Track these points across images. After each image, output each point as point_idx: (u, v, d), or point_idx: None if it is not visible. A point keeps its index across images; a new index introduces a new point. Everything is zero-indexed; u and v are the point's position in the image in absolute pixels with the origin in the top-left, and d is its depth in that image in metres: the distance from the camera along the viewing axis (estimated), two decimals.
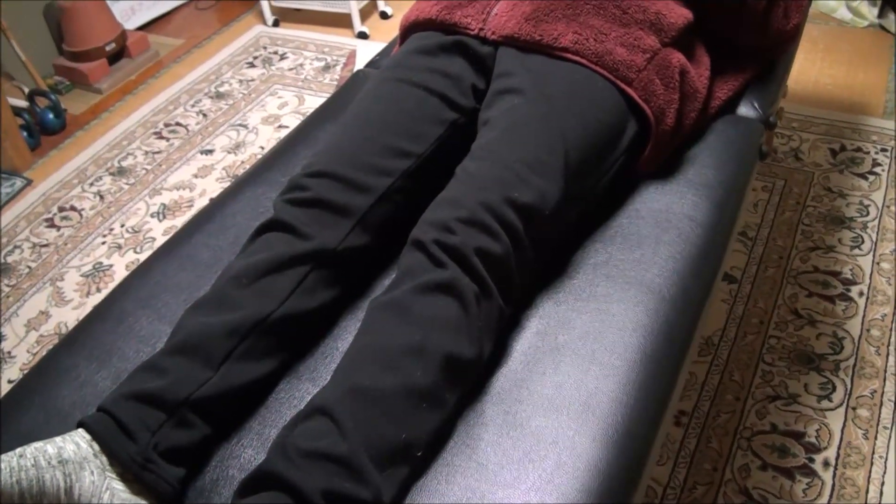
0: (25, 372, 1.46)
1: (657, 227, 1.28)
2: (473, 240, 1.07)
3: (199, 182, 2.67)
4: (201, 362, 1.06)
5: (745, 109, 1.57)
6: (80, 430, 1.00)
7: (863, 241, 2.13)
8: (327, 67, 3.24)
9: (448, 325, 1.02)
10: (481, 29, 1.39)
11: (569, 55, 1.31)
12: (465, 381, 1.05)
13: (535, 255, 1.16)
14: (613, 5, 1.35)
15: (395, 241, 1.22)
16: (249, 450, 1.05)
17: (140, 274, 1.33)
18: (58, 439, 0.98)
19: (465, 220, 1.09)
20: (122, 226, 2.51)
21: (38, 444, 0.96)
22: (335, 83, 3.12)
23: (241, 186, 1.50)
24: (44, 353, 2.07)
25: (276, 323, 1.12)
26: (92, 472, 0.96)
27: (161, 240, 2.43)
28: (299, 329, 1.17)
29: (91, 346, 1.22)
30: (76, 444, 0.98)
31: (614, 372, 1.07)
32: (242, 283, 1.14)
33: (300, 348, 1.18)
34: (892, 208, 2.22)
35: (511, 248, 1.11)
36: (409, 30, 1.52)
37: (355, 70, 3.13)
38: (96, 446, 0.98)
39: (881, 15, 3.04)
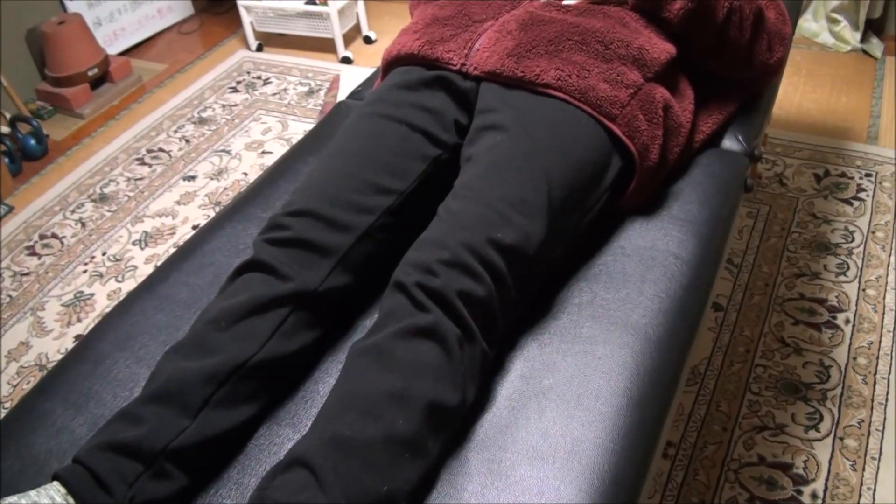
0: (2, 415, 1.44)
1: (642, 265, 1.27)
2: (456, 282, 1.06)
3: (182, 209, 2.65)
4: (178, 410, 1.04)
5: (730, 143, 1.56)
6: (55, 483, 0.98)
7: (848, 268, 2.12)
8: (311, 92, 3.23)
9: (430, 371, 1.00)
10: (463, 64, 1.38)
11: (552, 91, 1.30)
12: (449, 429, 1.03)
13: (519, 296, 1.15)
14: (596, 41, 1.35)
15: (377, 280, 1.21)
16: (228, 501, 1.03)
17: (118, 314, 1.31)
18: (32, 493, 0.96)
19: (448, 261, 1.07)
20: (104, 254, 2.49)
21: (12, 499, 0.94)
22: (319, 108, 3.11)
23: (220, 222, 1.48)
24: (25, 385, 2.04)
25: (255, 367, 1.10)
26: None
27: (143, 268, 2.41)
28: (279, 373, 1.15)
29: (68, 391, 1.19)
30: (51, 497, 0.96)
31: (600, 418, 1.05)
32: (221, 327, 1.12)
33: (280, 392, 1.16)
34: (878, 234, 2.22)
35: (494, 289, 1.09)
36: (390, 64, 1.51)
37: (339, 95, 3.14)
38: (71, 500, 0.96)
39: (864, 39, 3.06)
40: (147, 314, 1.30)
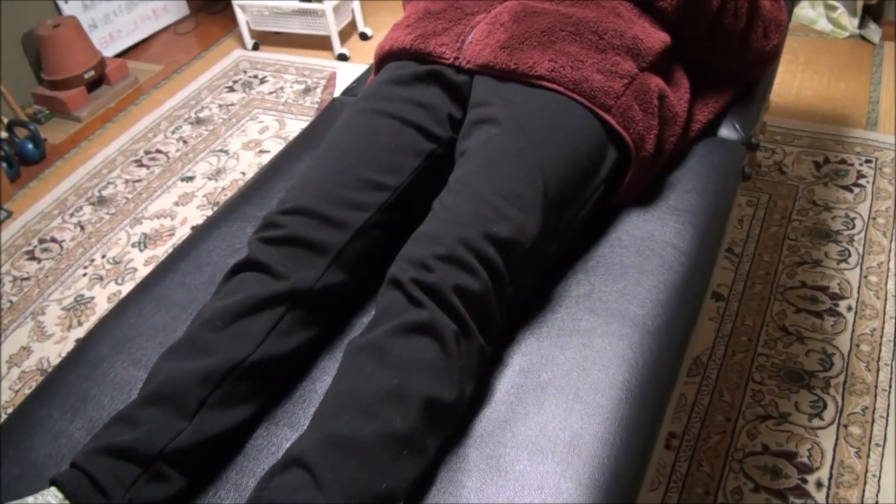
0: (2, 419, 1.43)
1: (640, 256, 1.26)
2: (452, 277, 1.05)
3: (180, 210, 2.64)
4: (175, 412, 1.03)
5: (727, 131, 1.55)
6: (53, 489, 0.97)
7: (850, 255, 2.11)
8: (308, 90, 3.22)
9: (427, 367, 1.00)
10: (456, 58, 1.37)
11: (545, 83, 1.29)
12: (447, 425, 1.03)
13: (516, 291, 1.14)
14: (589, 31, 1.34)
15: (373, 277, 1.20)
16: (226, 502, 1.02)
17: (114, 317, 1.31)
18: (30, 499, 0.96)
19: (443, 256, 1.06)
20: (104, 256, 2.48)
21: None
22: (316, 106, 3.10)
23: (216, 222, 1.47)
24: (26, 390, 2.04)
25: (251, 367, 1.09)
26: None
27: (142, 270, 2.40)
28: (276, 372, 1.14)
29: (65, 395, 1.19)
30: (48, 503, 0.95)
31: (599, 411, 1.04)
32: (216, 327, 1.11)
33: (277, 392, 1.16)
34: (879, 220, 2.20)
35: (491, 284, 1.08)
36: (383, 59, 1.50)
37: (335, 92, 3.13)
38: None
39: (861, 25, 3.04)
40: (144, 316, 1.29)
